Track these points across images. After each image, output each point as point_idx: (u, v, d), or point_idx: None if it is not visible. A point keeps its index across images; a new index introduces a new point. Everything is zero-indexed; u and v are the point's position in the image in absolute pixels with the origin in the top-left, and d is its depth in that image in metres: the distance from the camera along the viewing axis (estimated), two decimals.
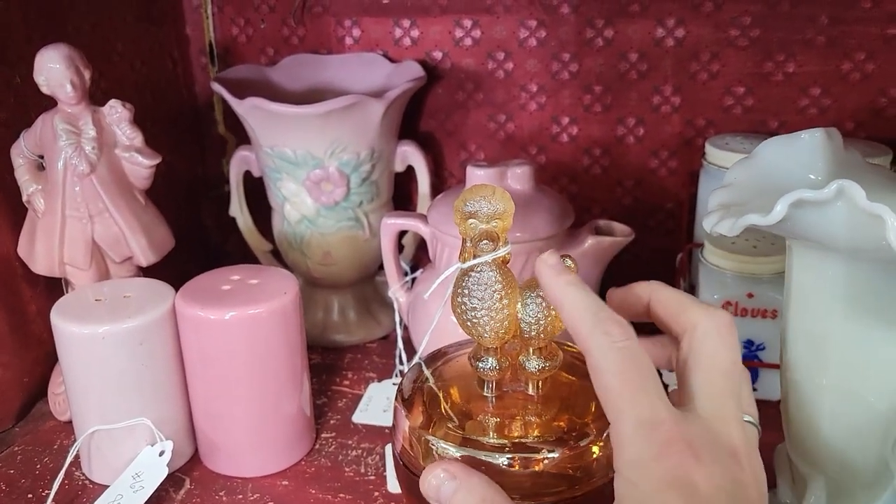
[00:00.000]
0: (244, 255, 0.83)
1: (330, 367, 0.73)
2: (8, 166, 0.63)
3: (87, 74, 0.60)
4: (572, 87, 0.75)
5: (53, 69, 0.59)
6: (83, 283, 0.63)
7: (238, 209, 0.78)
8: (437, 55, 0.78)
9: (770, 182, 0.45)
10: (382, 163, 0.72)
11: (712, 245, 0.64)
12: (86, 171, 0.60)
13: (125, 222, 0.63)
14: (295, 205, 0.72)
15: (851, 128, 0.70)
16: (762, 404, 0.64)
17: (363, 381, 0.71)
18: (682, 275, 0.69)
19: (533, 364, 0.48)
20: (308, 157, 0.69)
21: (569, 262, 0.47)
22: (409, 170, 0.77)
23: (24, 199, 0.63)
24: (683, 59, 0.72)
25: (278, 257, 0.80)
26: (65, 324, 0.55)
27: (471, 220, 0.47)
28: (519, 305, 0.47)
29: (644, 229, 0.78)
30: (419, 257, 0.84)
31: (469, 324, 0.47)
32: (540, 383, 0.49)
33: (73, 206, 0.61)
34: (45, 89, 0.60)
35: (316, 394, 0.69)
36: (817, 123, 0.70)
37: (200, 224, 0.91)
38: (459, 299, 0.47)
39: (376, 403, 0.67)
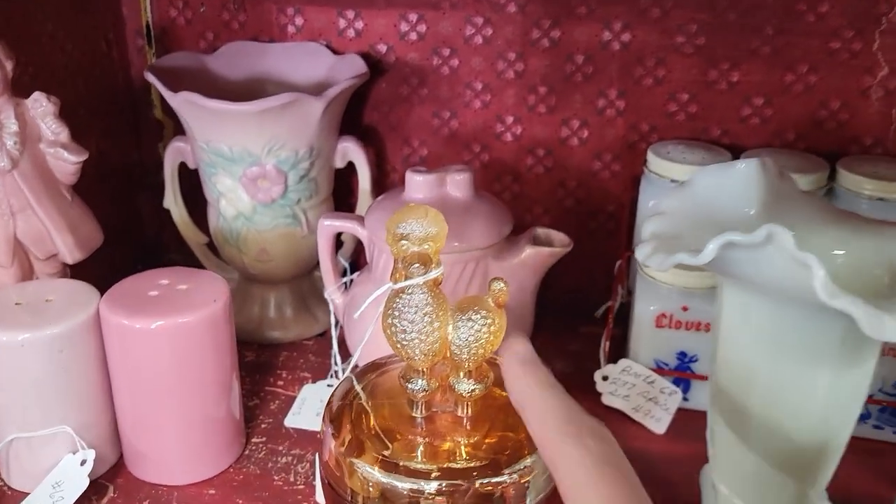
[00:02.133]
0: (180, 246, 0.81)
1: (264, 366, 0.72)
2: None
3: (9, 66, 0.58)
4: (517, 86, 0.74)
5: None
6: (5, 280, 0.61)
7: (172, 201, 0.76)
8: (382, 48, 0.76)
9: (704, 212, 0.45)
10: (322, 159, 0.71)
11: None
12: (7, 167, 0.58)
13: (50, 219, 0.60)
14: (231, 201, 0.70)
15: (792, 138, 0.70)
16: (694, 415, 0.65)
17: (297, 382, 0.70)
18: (620, 281, 0.70)
19: (463, 386, 0.48)
20: (245, 154, 0.67)
21: (501, 284, 0.47)
22: (351, 164, 0.75)
23: None
24: (629, 63, 0.71)
25: (214, 250, 0.78)
26: None
27: (402, 242, 0.46)
28: (450, 328, 0.47)
29: (585, 231, 0.78)
30: (359, 252, 0.83)
31: (399, 345, 0.47)
32: (469, 404, 0.49)
33: None
34: None
35: (248, 394, 0.67)
36: (759, 133, 0.71)
37: (136, 212, 0.88)
38: (390, 320, 0.47)
39: (309, 406, 0.66)
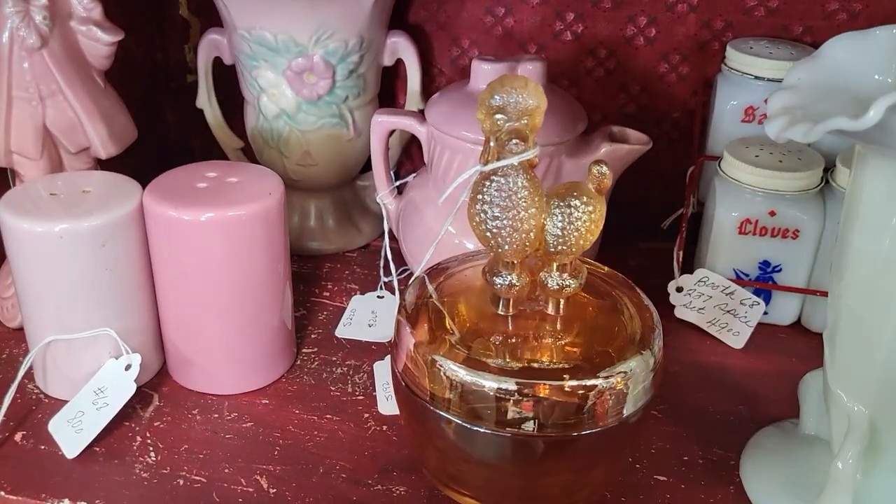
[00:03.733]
0: (210, 152, 0.76)
1: (307, 277, 0.67)
2: None
3: None
4: None
5: None
6: (33, 175, 0.56)
7: (206, 101, 0.70)
8: None
9: (838, 84, 0.40)
10: (371, 54, 0.65)
11: (733, 157, 0.59)
12: (36, 44, 0.52)
13: (82, 107, 0.55)
14: (273, 97, 0.64)
15: None
16: (774, 329, 0.61)
17: (345, 293, 0.65)
18: (691, 189, 0.65)
19: (556, 281, 0.43)
20: (290, 44, 0.61)
21: (604, 168, 0.42)
22: (397, 64, 0.69)
23: None
24: None
25: (250, 156, 0.73)
26: (15, 220, 0.48)
27: (498, 116, 0.41)
28: (546, 216, 0.42)
29: (652, 122, 0.73)
30: (402, 162, 0.77)
31: (489, 234, 0.42)
32: (561, 303, 0.44)
33: (22, 86, 0.53)
34: None
35: (295, 305, 0.63)
36: (846, 29, 0.65)
37: (161, 118, 0.82)
38: (479, 206, 0.42)
39: (360, 317, 0.62)
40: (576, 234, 0.42)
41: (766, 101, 0.60)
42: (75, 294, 0.49)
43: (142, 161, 0.61)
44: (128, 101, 0.60)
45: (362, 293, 0.65)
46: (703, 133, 0.68)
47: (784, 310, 0.61)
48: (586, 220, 0.42)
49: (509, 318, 0.44)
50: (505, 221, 0.41)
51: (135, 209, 0.50)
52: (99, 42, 0.54)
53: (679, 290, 0.61)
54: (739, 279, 0.60)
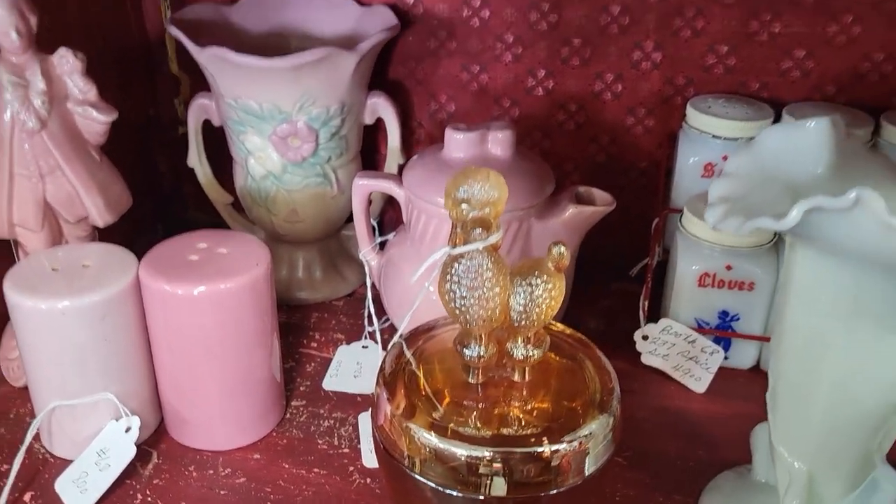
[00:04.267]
0: (200, 203, 0.80)
1: (296, 328, 0.71)
2: None
3: (33, 20, 0.55)
4: (550, 38, 0.72)
5: None
6: (35, 244, 0.59)
7: (196, 160, 0.74)
8: None
9: (773, 173, 0.44)
10: (352, 116, 0.69)
11: (692, 214, 0.63)
12: (36, 127, 0.56)
13: (79, 181, 0.58)
14: (260, 160, 0.68)
15: (833, 92, 0.69)
16: (733, 373, 0.65)
17: (331, 343, 0.69)
18: (656, 240, 0.69)
19: (521, 352, 0.47)
20: (275, 111, 0.65)
21: (562, 249, 0.45)
22: (377, 121, 0.73)
23: None
24: (667, 13, 0.69)
25: (238, 208, 0.76)
26: (21, 297, 0.52)
27: (463, 206, 0.44)
28: (510, 293, 0.46)
29: (616, 188, 0.76)
30: (386, 209, 0.81)
31: (458, 311, 0.46)
32: (527, 370, 0.48)
33: (23, 164, 0.57)
34: None
35: (284, 357, 0.66)
36: (800, 86, 0.69)
37: (153, 168, 0.86)
38: (448, 286, 0.46)
39: (346, 368, 0.66)
40: (537, 310, 0.46)
41: (724, 157, 0.65)
42: (77, 362, 0.53)
43: (137, 211, 0.64)
44: (122, 153, 0.63)
45: (348, 343, 0.69)
46: (668, 184, 0.72)
47: (743, 355, 0.65)
48: (547, 297, 0.46)
49: (479, 386, 0.48)
50: (472, 300, 0.45)
51: (131, 283, 0.54)
52: (95, 121, 0.58)
53: (645, 338, 0.65)
54: (701, 328, 0.64)
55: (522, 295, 0.46)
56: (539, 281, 0.45)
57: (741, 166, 0.45)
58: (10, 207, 0.58)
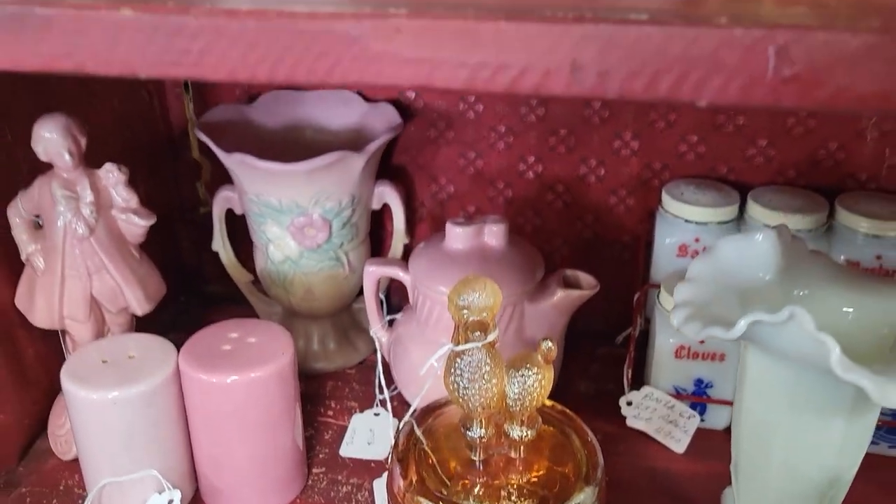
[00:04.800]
0: (220, 277, 0.87)
1: (313, 397, 0.78)
2: (3, 220, 0.65)
3: (83, 141, 0.63)
4: (539, 129, 0.80)
5: (51, 139, 0.61)
6: (81, 334, 0.67)
7: (220, 245, 0.82)
8: (411, 94, 0.81)
9: (728, 279, 0.51)
10: (362, 205, 0.76)
11: (667, 293, 0.70)
12: (85, 234, 0.63)
13: (122, 277, 0.66)
14: (279, 247, 0.75)
15: (793, 175, 0.76)
16: (711, 434, 0.72)
17: (346, 412, 0.76)
18: (638, 312, 0.76)
19: (517, 433, 0.54)
20: (293, 205, 0.72)
21: (549, 344, 0.53)
22: (385, 204, 0.81)
23: (24, 257, 0.65)
24: (643, 108, 0.77)
25: (258, 286, 0.84)
26: (76, 388, 0.59)
27: (464, 311, 0.52)
28: (505, 383, 0.53)
29: (602, 261, 0.84)
30: (392, 286, 0.88)
31: (461, 399, 0.53)
32: (522, 447, 0.55)
33: (73, 266, 0.64)
34: (42, 157, 0.62)
35: (303, 426, 0.74)
36: (763, 171, 0.77)
37: (176, 245, 0.94)
38: (452, 378, 0.53)
39: (360, 436, 0.73)
40: (529, 397, 0.53)
41: (696, 239, 0.72)
42: (125, 443, 0.60)
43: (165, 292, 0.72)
44: (149, 231, 0.70)
45: (361, 411, 0.76)
46: (648, 258, 0.79)
47: (717, 417, 0.72)
48: (537, 385, 0.53)
49: (481, 462, 0.55)
50: (473, 390, 0.52)
51: (172, 372, 0.61)
52: (136, 226, 0.65)
53: (629, 403, 0.72)
54: (679, 394, 0.71)
55: (516, 385, 0.53)
56: (531, 372, 0.53)
57: (701, 272, 0.52)
58: (61, 303, 0.65)
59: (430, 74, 0.29)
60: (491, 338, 0.52)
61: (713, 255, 0.53)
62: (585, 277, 0.70)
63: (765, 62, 0.27)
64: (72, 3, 0.31)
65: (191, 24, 0.30)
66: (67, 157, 0.61)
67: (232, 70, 0.31)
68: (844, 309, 0.51)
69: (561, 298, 0.67)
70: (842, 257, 0.69)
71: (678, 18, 0.27)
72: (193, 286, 0.95)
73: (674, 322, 0.49)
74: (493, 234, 0.68)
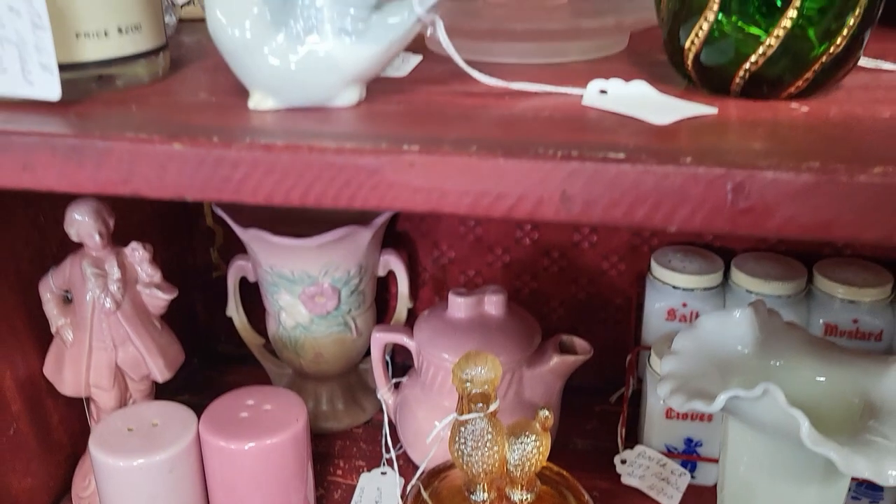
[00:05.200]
0: (230, 337, 0.91)
1: (323, 456, 0.82)
2: (34, 297, 0.69)
3: (111, 222, 0.67)
4: None
5: (83, 222, 0.66)
6: (105, 401, 0.71)
7: (234, 311, 0.86)
8: None
9: (710, 352, 0.56)
10: (368, 273, 0.81)
11: (657, 356, 0.74)
12: (112, 308, 0.67)
13: (145, 347, 0.70)
14: (290, 314, 0.80)
15: (774, 242, 0.81)
16: (699, 490, 0.76)
17: (354, 471, 0.80)
18: (631, 373, 0.80)
19: (517, 496, 0.58)
20: (304, 276, 0.77)
21: (546, 413, 0.57)
22: (390, 271, 0.85)
23: (53, 330, 0.69)
24: None
25: (270, 348, 0.88)
26: (103, 455, 0.63)
27: (467, 384, 0.56)
28: (507, 450, 0.57)
29: (596, 321, 0.89)
30: (397, 346, 0.93)
31: (465, 465, 0.57)
32: None
33: (100, 338, 0.68)
34: (74, 238, 0.66)
35: (314, 486, 0.77)
36: (745, 237, 0.82)
37: (191, 307, 0.98)
38: (456, 446, 0.57)
39: (368, 495, 0.76)
40: (528, 463, 0.57)
41: (683, 304, 0.77)
42: None
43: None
44: None
45: (368, 469, 0.80)
46: (639, 321, 0.84)
47: (707, 474, 0.76)
48: (536, 452, 0.57)
49: None
50: (476, 457, 0.56)
51: (193, 439, 0.65)
52: (159, 299, 0.70)
53: (623, 461, 0.76)
54: (670, 452, 0.75)
55: (517, 451, 0.57)
56: (529, 440, 0.57)
57: (685, 346, 0.57)
58: (87, 373, 0.69)
59: (438, 201, 0.34)
60: (492, 408, 0.56)
61: (696, 330, 0.57)
62: (580, 343, 0.74)
63: (724, 196, 0.31)
64: (128, 137, 0.36)
65: (232, 156, 0.35)
66: (97, 238, 0.66)
67: (268, 195, 0.36)
68: (817, 378, 0.56)
69: (557, 364, 0.72)
70: (820, 321, 0.74)
71: (651, 157, 0.32)
72: (206, 346, 0.99)
73: (660, 394, 0.53)
74: (493, 304, 0.72)
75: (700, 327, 0.57)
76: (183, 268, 0.96)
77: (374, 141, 0.35)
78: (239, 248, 0.83)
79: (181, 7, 0.66)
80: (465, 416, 0.56)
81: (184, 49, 0.55)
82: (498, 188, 0.33)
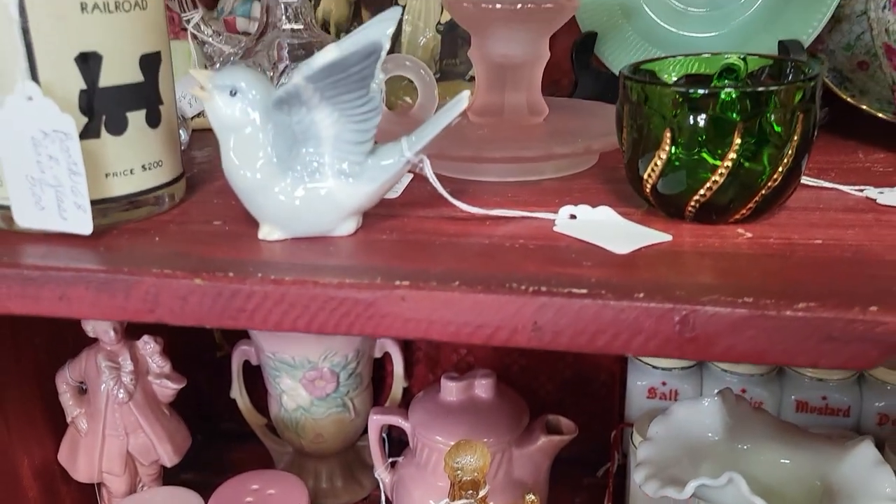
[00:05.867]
0: (232, 414, 0.95)
1: None
2: (51, 388, 0.74)
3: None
4: None
5: (99, 321, 0.70)
6: (117, 486, 0.75)
7: (238, 393, 0.90)
8: None
9: (683, 439, 0.60)
10: (365, 357, 0.85)
11: (639, 433, 0.78)
12: (125, 399, 0.72)
13: (155, 434, 0.74)
14: (292, 397, 0.84)
15: None
16: None
17: None
18: (615, 449, 0.84)
19: None
20: (305, 361, 0.81)
21: (533, 497, 0.61)
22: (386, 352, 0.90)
23: (69, 419, 0.74)
24: None
25: (271, 427, 0.92)
26: None
27: (458, 471, 0.60)
28: None
29: (581, 395, 0.93)
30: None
31: None
32: None
33: (113, 426, 0.73)
34: (90, 334, 0.71)
35: None
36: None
37: (195, 386, 1.02)
38: None
39: None
40: None
41: (663, 383, 0.81)
42: None
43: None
44: None
45: None
46: (623, 398, 0.88)
47: None
48: None
49: None
50: None
51: None
52: (168, 389, 0.74)
53: None
54: None
55: None
56: None
57: (659, 432, 0.61)
58: (100, 460, 0.73)
59: (426, 330, 0.39)
60: (482, 494, 0.60)
61: (669, 418, 0.62)
62: (566, 423, 0.78)
63: (672, 328, 0.36)
64: (154, 272, 0.41)
65: (246, 289, 0.40)
66: (112, 333, 0.71)
67: (277, 323, 0.41)
68: (782, 461, 0.60)
69: (544, 444, 0.76)
70: (792, 398, 0.78)
71: (609, 292, 0.37)
72: (209, 423, 1.03)
73: (636, 481, 0.58)
74: (483, 388, 0.77)
75: (673, 415, 0.62)
76: (188, 347, 1.00)
77: (371, 275, 0.40)
78: (242, 332, 0.88)
79: (191, 119, 0.72)
80: (457, 503, 0.60)
81: (196, 167, 0.61)
82: (478, 320, 0.38)
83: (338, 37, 0.81)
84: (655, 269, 0.40)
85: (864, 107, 0.65)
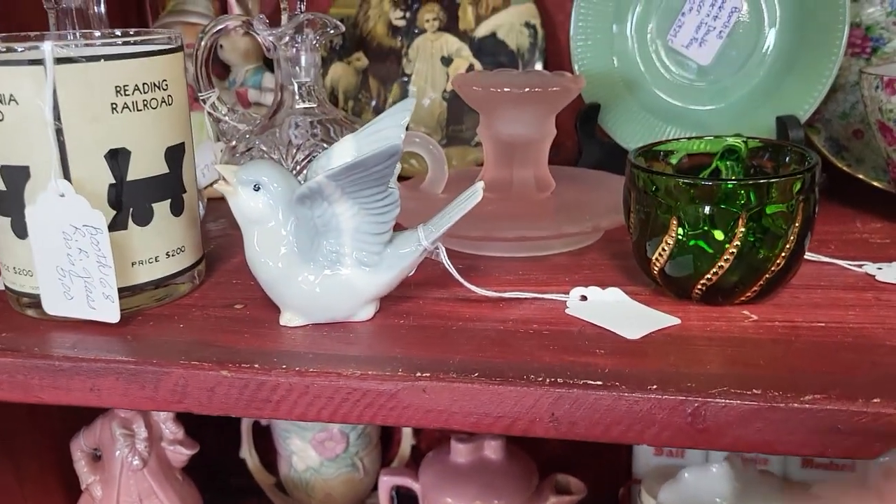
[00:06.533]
0: (239, 469, 0.95)
1: None
2: (66, 455, 0.75)
3: None
4: None
5: None
6: None
7: (248, 453, 0.91)
8: None
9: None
10: None
11: (647, 493, 0.80)
12: (139, 466, 0.73)
13: (168, 501, 0.75)
14: (301, 458, 0.85)
15: None
16: None
17: None
18: None
19: None
20: (315, 423, 0.82)
21: None
22: None
23: (83, 486, 0.75)
24: None
25: (281, 487, 0.93)
26: None
27: None
28: None
29: (591, 454, 0.94)
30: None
31: None
32: None
33: (127, 493, 0.73)
34: None
35: None
36: None
37: (203, 444, 1.03)
38: None
39: None
40: None
41: None
42: None
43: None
44: None
45: None
46: (630, 455, 0.89)
47: None
48: None
49: None
50: None
51: None
52: (181, 455, 0.75)
53: None
54: None
55: None
56: None
57: (668, 499, 0.62)
58: None
59: (447, 420, 0.41)
60: None
61: (679, 484, 0.63)
62: (575, 482, 0.79)
63: (684, 419, 0.38)
64: (180, 364, 0.43)
65: (272, 381, 0.42)
66: None
67: (302, 413, 0.42)
68: None
69: None
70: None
71: (623, 384, 0.39)
72: (218, 480, 1.04)
73: None
74: (492, 449, 0.78)
75: (681, 481, 0.63)
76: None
77: (392, 366, 0.41)
78: None
79: (205, 189, 0.74)
80: None
81: (213, 242, 0.62)
82: (497, 410, 0.40)
83: (346, 104, 0.83)
84: (666, 358, 0.42)
85: (861, 176, 0.67)
